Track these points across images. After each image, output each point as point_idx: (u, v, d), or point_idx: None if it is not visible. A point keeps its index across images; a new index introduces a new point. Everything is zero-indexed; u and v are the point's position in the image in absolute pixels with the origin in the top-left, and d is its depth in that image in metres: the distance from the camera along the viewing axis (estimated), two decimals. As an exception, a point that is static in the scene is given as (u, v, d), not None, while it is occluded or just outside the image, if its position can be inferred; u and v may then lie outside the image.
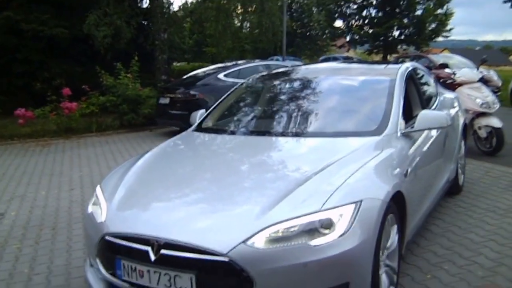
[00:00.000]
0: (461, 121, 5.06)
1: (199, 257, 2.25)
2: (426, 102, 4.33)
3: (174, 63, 23.60)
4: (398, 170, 2.98)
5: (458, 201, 4.84)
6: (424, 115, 3.41)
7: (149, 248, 2.37)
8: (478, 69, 7.53)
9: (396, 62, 6.03)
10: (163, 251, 2.33)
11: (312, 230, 2.31)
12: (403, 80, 3.81)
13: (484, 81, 7.21)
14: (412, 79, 4.14)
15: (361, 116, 3.60)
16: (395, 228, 2.81)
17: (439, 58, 13.87)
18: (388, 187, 2.70)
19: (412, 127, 3.44)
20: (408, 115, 3.76)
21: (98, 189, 3.06)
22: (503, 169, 6.08)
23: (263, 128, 3.75)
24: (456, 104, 5.14)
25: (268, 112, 4.01)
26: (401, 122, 3.40)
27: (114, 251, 2.53)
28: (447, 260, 3.50)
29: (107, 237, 2.56)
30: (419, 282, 3.19)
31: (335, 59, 22.91)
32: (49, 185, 6.07)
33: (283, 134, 3.48)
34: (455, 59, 13.74)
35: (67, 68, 13.63)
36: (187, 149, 3.70)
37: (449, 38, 34.11)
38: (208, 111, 4.19)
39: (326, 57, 29.84)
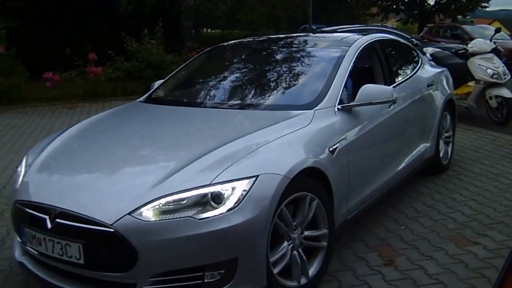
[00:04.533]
0: (441, 97, 4.67)
1: (87, 226, 2.31)
2: (396, 76, 4.18)
3: (205, 30, 23.71)
4: (320, 146, 2.87)
5: (453, 166, 4.96)
6: (365, 89, 3.21)
7: (47, 217, 2.43)
8: (491, 40, 7.52)
9: (361, 31, 5.81)
10: (58, 220, 2.39)
11: (203, 203, 2.31)
12: (354, 53, 3.60)
13: (497, 52, 7.18)
14: (375, 52, 4.00)
15: (300, 89, 3.50)
16: (314, 204, 2.71)
17: (474, 29, 13.65)
18: (296, 162, 2.60)
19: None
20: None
21: (26, 155, 3.13)
22: (509, 138, 6.11)
23: (199, 100, 3.66)
24: (434, 80, 4.67)
25: (210, 84, 3.93)
26: (344, 96, 3.30)
27: (21, 218, 2.63)
28: (425, 215, 3.74)
29: (16, 204, 2.66)
30: (392, 231, 3.48)
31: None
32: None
33: (216, 106, 3.43)
34: (490, 31, 13.46)
35: (93, 33, 14.01)
36: (121, 119, 3.64)
37: (501, 8, 32.77)
38: (163, 81, 4.19)
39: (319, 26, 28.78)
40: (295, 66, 3.76)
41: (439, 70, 5.04)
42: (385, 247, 3.26)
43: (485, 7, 31.62)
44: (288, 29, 26.17)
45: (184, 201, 2.31)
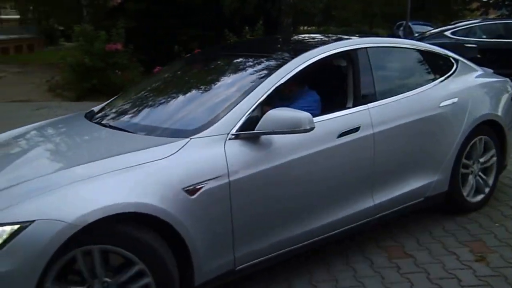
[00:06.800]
0: (469, 117, 3.68)
1: None
2: (380, 92, 3.32)
3: (301, 27, 24.00)
4: (170, 185, 2.35)
5: None
6: (270, 115, 2.62)
7: None
8: None
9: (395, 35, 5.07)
10: None
11: None
12: (292, 68, 2.97)
13: None
14: (350, 64, 3.30)
15: (198, 111, 2.96)
16: (136, 269, 2.27)
17: None
18: (99, 207, 2.13)
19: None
20: (327, 106, 3.24)
21: None
22: None
23: (109, 118, 3.23)
24: (460, 96, 3.69)
25: (132, 101, 3.45)
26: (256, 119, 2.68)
27: None
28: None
29: None
30: (486, 228, 3.65)
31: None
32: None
33: (114, 126, 3.01)
34: None
35: (200, 32, 14.90)
36: (46, 130, 3.38)
37: None
38: (119, 94, 3.87)
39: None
40: (220, 81, 3.28)
41: (477, 83, 3.97)
42: (477, 244, 3.32)
43: None
44: (383, 26, 25.68)
45: None
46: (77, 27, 11.38)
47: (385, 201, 3.28)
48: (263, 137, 2.66)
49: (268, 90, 2.82)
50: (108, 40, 10.89)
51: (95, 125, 3.10)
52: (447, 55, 3.98)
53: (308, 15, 24.44)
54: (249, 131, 2.64)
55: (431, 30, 12.65)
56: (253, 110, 2.72)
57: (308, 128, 2.62)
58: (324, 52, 3.19)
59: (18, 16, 46.62)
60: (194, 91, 3.29)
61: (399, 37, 16.31)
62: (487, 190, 3.97)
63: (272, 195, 2.72)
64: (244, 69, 3.30)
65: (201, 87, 3.29)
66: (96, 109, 3.59)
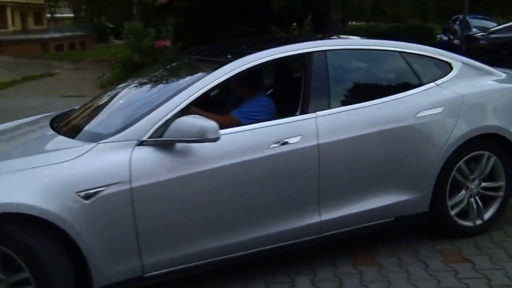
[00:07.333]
0: (458, 129, 3.20)
1: None
2: (336, 99, 3.07)
3: (350, 23, 23.67)
4: (63, 188, 2.35)
5: None
6: (176, 123, 2.55)
7: None
8: None
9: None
10: None
11: None
12: (228, 71, 2.85)
13: None
14: (305, 67, 3.09)
15: (121, 116, 2.87)
16: None
17: None
18: None
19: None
20: (278, 113, 3.12)
21: None
22: None
23: (61, 123, 3.17)
24: (446, 105, 3.23)
25: (92, 106, 3.36)
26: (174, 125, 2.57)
27: None
28: None
29: None
30: None
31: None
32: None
33: (57, 130, 2.99)
34: None
35: (246, 29, 14.90)
36: (15, 127, 3.42)
37: None
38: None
39: None
40: (156, 87, 3.19)
41: (481, 90, 3.44)
42: None
43: None
44: (436, 21, 24.88)
45: None
46: (127, 24, 11.64)
47: (338, 218, 3.00)
48: (180, 145, 2.57)
49: (190, 96, 2.72)
50: (157, 37, 11.07)
51: (47, 128, 3.07)
52: (442, 59, 3.46)
53: (361, 10, 23.95)
54: (155, 138, 2.57)
55: (494, 24, 12.20)
56: (174, 116, 2.62)
57: (211, 138, 2.51)
58: (267, 56, 3.00)
59: (71, 15, 48.20)
60: (133, 96, 3.20)
61: (455, 32, 15.74)
62: (478, 222, 3.40)
63: (183, 205, 2.62)
64: (182, 74, 3.25)
65: (140, 92, 3.23)
66: (64, 112, 3.57)
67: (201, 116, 2.62)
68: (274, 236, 2.86)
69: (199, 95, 2.75)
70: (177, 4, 15.04)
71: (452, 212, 3.31)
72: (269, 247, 2.88)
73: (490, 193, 3.42)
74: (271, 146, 2.76)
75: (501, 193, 3.43)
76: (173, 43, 11.26)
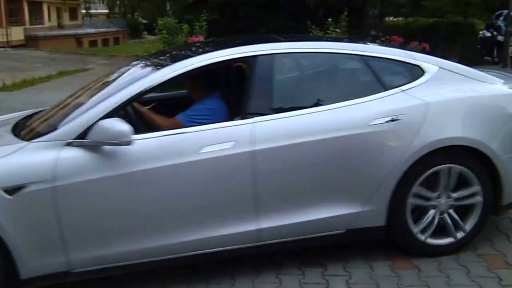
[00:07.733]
0: (423, 139, 2.96)
1: None
2: (280, 104, 2.98)
3: (388, 18, 23.09)
4: None
5: None
6: (97, 126, 2.62)
7: None
8: None
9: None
10: None
11: None
12: (163, 75, 2.88)
13: None
14: (248, 71, 3.01)
15: (67, 115, 2.89)
16: None
17: None
18: None
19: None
20: (225, 117, 3.08)
21: None
22: None
23: (24, 123, 3.25)
24: (406, 113, 2.99)
25: (59, 105, 3.39)
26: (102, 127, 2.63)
27: None
28: None
29: None
30: None
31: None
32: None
33: (14, 130, 3.07)
34: None
35: (281, 24, 14.63)
36: None
37: None
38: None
39: None
40: (103, 88, 3.15)
41: (454, 98, 3.14)
42: None
43: None
44: (479, 16, 23.98)
45: None
46: (161, 20, 11.54)
47: (280, 227, 2.88)
48: (108, 146, 2.63)
49: (122, 99, 2.78)
50: (190, 33, 10.93)
51: (8, 127, 3.13)
52: (413, 63, 3.19)
53: (400, 4, 23.34)
54: (79, 140, 2.65)
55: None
56: (103, 118, 2.67)
57: (122, 141, 2.59)
58: (206, 60, 2.98)
59: (106, 11, 48.86)
60: (86, 97, 3.17)
61: (499, 28, 15.07)
62: (459, 235, 3.12)
63: (107, 207, 2.68)
64: (125, 77, 3.22)
65: (92, 93, 3.20)
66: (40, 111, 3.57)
67: (119, 119, 2.67)
68: (205, 241, 2.83)
69: (126, 99, 2.79)
70: (211, 0, 14.89)
71: (423, 237, 3.08)
72: (201, 251, 2.85)
73: (466, 202, 3.11)
74: (201, 151, 2.72)
75: (479, 198, 3.09)
76: (206, 38, 11.10)
